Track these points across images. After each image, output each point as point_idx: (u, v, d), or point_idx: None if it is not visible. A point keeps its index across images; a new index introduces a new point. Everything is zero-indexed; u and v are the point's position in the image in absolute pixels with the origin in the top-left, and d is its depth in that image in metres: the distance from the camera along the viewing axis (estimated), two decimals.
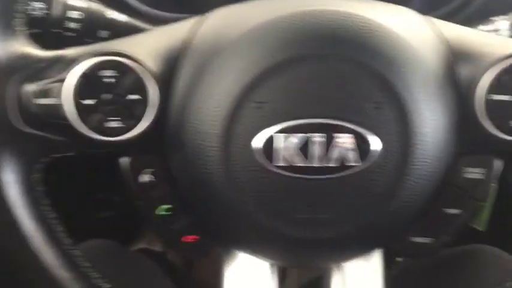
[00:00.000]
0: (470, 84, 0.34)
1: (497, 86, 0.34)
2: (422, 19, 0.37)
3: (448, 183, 0.37)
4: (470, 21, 0.48)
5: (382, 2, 0.38)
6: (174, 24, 0.38)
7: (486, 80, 0.34)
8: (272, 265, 0.41)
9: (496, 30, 0.45)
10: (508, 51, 0.34)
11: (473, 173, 0.37)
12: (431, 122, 0.34)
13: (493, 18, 0.46)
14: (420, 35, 0.35)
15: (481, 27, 0.46)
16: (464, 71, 0.35)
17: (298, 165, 0.33)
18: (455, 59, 0.35)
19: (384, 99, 0.33)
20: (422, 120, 0.33)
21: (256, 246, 0.38)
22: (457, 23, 0.49)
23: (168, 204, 0.37)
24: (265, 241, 0.37)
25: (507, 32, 0.44)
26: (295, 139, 0.33)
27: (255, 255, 0.40)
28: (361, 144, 0.33)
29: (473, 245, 0.61)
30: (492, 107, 0.34)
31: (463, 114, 0.35)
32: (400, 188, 0.34)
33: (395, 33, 0.34)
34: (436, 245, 0.38)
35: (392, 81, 0.33)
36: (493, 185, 0.57)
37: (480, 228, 0.61)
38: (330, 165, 0.33)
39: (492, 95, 0.34)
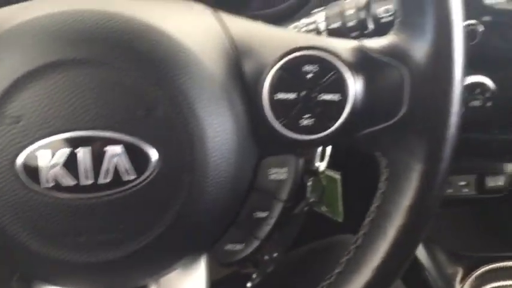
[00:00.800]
0: (257, 83, 0.33)
1: (279, 84, 0.32)
2: (207, 15, 0.35)
3: (254, 186, 0.36)
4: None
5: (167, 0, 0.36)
6: None
7: (269, 78, 0.32)
8: None
9: (314, 23, 0.45)
10: (287, 48, 0.32)
11: (277, 173, 0.36)
12: (215, 126, 0.32)
13: (313, 11, 0.46)
14: (200, 33, 0.33)
15: (303, 20, 0.46)
16: (250, 70, 0.33)
17: (67, 184, 0.30)
18: (241, 56, 0.33)
19: (155, 105, 0.30)
20: (202, 125, 0.31)
21: (44, 276, 0.35)
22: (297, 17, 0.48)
23: None
24: (51, 270, 0.33)
25: (323, 24, 0.44)
26: (61, 156, 0.29)
27: (54, 285, 0.36)
28: (136, 155, 0.30)
29: (333, 237, 0.61)
30: (278, 107, 0.33)
31: (254, 116, 0.34)
32: (188, 197, 0.32)
33: (167, 34, 0.31)
34: (247, 250, 0.37)
35: (164, 85, 0.30)
36: (337, 177, 0.58)
37: (339, 220, 0.62)
38: (103, 181, 0.30)
39: (277, 93, 0.33)
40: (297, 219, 0.61)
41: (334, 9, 0.44)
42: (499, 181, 0.77)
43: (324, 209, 0.61)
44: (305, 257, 0.62)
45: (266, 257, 0.67)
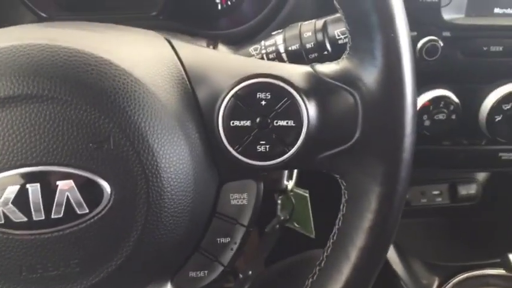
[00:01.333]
0: (212, 111, 0.33)
1: (234, 111, 0.33)
2: (159, 44, 0.35)
3: (216, 212, 0.36)
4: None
5: (120, 29, 0.36)
6: None
7: (224, 106, 0.33)
8: None
9: (274, 45, 0.45)
10: (240, 76, 0.33)
11: (238, 199, 0.36)
12: (169, 156, 0.32)
13: (273, 33, 0.46)
14: (151, 63, 0.33)
15: (263, 42, 0.46)
16: (204, 98, 0.33)
17: (19, 220, 0.29)
18: (194, 85, 0.33)
19: (105, 138, 0.30)
20: (156, 156, 0.31)
21: None
22: (262, 37, 0.48)
23: None
24: None
25: (282, 46, 0.44)
26: (10, 192, 0.29)
27: None
28: (88, 189, 0.30)
29: (305, 252, 0.61)
30: (234, 134, 0.33)
31: (211, 143, 0.34)
32: (145, 228, 0.32)
33: (116, 65, 0.31)
34: (211, 277, 0.37)
35: (114, 117, 0.30)
36: (305, 194, 0.58)
37: (311, 236, 0.62)
38: (55, 216, 0.30)
39: (232, 121, 0.33)
40: (270, 237, 0.61)
41: (292, 31, 0.44)
42: (471, 189, 0.78)
43: (295, 225, 0.62)
44: (279, 274, 0.62)
45: (241, 276, 0.67)
